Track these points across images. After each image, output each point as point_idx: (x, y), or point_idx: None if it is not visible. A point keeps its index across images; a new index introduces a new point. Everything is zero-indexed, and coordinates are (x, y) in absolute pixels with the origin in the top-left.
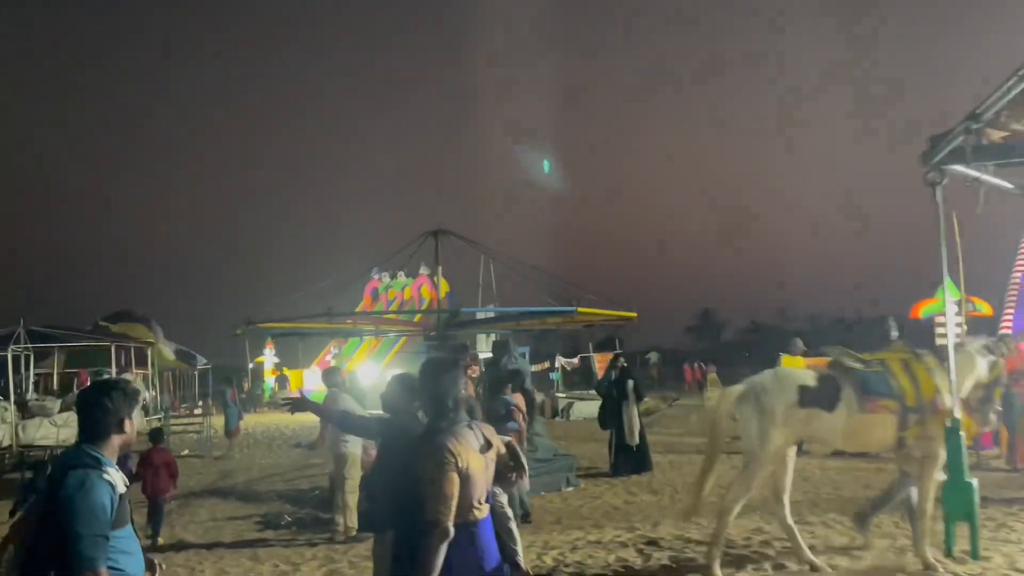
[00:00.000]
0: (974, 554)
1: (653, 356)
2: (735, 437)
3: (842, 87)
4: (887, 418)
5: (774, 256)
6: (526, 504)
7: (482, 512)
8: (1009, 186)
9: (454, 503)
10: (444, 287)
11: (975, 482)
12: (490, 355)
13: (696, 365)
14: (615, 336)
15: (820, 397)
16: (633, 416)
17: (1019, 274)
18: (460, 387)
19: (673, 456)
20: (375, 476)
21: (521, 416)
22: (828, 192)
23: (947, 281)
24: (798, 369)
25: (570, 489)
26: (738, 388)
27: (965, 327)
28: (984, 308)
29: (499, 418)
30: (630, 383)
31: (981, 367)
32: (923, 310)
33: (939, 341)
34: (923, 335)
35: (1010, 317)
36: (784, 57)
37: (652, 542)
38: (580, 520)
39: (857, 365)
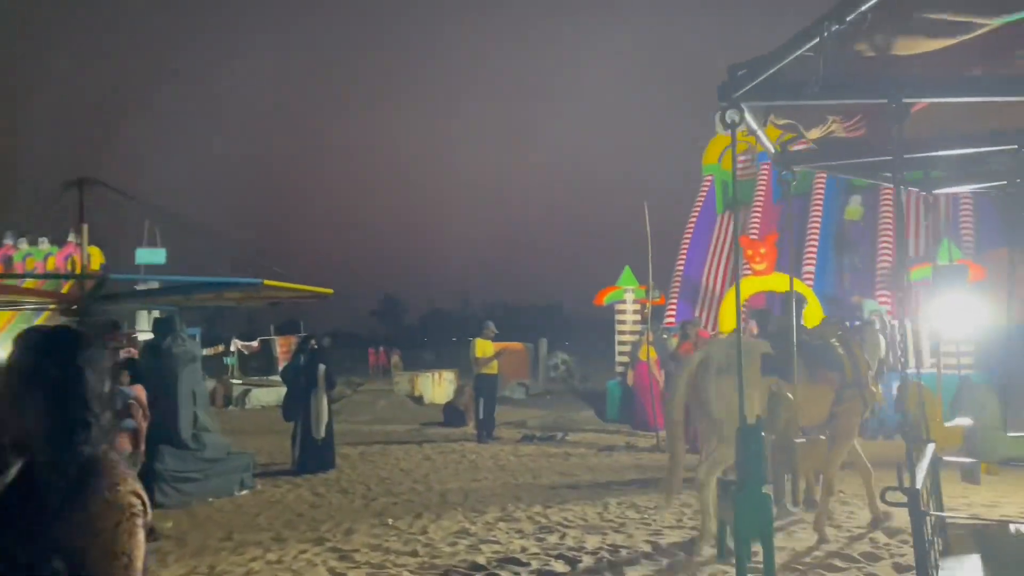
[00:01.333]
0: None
1: (326, 340)
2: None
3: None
4: (828, 392)
5: (456, 244)
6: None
7: None
8: (770, 148)
9: None
10: (97, 257)
11: (770, 494)
12: (151, 335)
13: (380, 349)
14: (298, 319)
15: (779, 365)
16: (322, 406)
17: (682, 265)
18: (109, 381)
19: (363, 447)
20: None
21: (141, 412)
22: (516, 182)
23: (626, 270)
24: (751, 339)
25: (245, 492)
26: (697, 357)
27: (649, 314)
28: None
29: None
30: (321, 368)
31: (882, 342)
32: (606, 298)
33: (619, 327)
34: (604, 322)
35: (674, 306)
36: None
37: (345, 556)
38: (257, 532)
39: (804, 337)
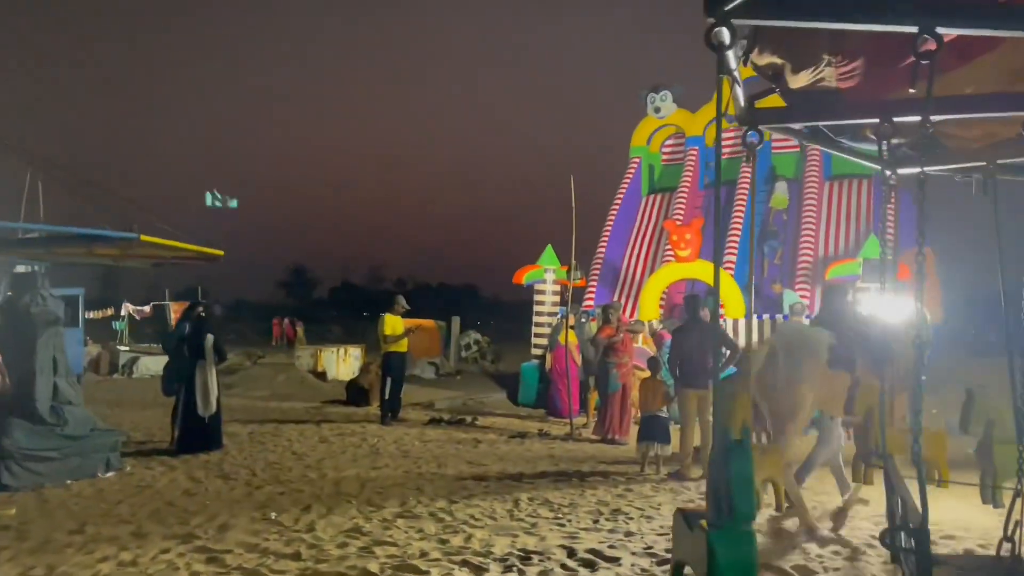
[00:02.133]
0: None
1: (217, 308)
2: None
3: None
4: (877, 384)
5: (370, 217)
6: None
7: None
8: (741, 99)
9: None
10: None
11: (754, 532)
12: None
13: (285, 321)
14: (197, 285)
15: (843, 359)
16: (209, 380)
17: (604, 247)
18: None
19: (254, 425)
20: None
21: (2, 378)
22: (436, 153)
23: (548, 249)
24: (818, 329)
25: (111, 474)
26: (765, 346)
27: (570, 296)
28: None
29: None
30: (209, 338)
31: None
32: (525, 277)
33: (537, 308)
34: (521, 304)
35: (594, 289)
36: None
37: (215, 558)
38: (115, 525)
39: (864, 329)
